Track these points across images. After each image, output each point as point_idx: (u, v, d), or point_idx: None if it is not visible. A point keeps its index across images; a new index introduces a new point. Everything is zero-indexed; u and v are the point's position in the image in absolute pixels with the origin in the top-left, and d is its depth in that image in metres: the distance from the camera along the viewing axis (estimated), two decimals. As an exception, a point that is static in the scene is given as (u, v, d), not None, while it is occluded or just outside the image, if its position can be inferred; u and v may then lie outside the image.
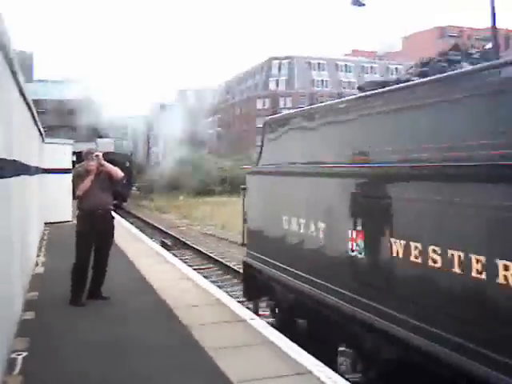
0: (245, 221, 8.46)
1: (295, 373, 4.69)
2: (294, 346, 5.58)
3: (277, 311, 7.45)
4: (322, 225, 5.79)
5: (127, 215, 28.76)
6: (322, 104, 6.93)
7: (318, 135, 6.37)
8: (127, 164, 38.33)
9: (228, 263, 14.61)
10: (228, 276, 13.73)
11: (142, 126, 55.84)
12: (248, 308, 7.55)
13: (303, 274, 6.19)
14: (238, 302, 7.90)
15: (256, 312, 7.67)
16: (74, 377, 4.63)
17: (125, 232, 15.09)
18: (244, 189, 8.39)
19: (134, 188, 42.63)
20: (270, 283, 7.39)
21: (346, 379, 4.78)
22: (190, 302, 7.11)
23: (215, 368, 4.76)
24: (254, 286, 7.98)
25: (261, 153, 7.85)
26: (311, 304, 6.13)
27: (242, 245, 8.52)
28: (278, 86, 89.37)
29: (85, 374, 4.68)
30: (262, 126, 8.04)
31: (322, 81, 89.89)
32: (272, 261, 7.11)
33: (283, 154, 7.17)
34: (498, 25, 11.45)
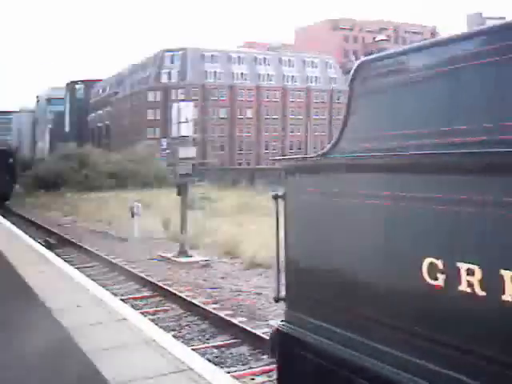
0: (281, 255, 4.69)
1: (177, 370, 4.61)
2: (178, 343, 5.51)
3: None
4: None
5: (9, 214, 27.31)
6: None
7: None
8: (10, 160, 36.45)
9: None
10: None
11: (28, 120, 53.74)
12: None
13: None
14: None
15: None
16: None
17: (4, 232, 14.29)
18: (277, 197, 4.65)
19: (17, 186, 40.49)
20: (345, 375, 3.84)
21: None
22: (71, 302, 6.83)
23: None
24: (305, 377, 4.35)
25: (343, 128, 4.10)
26: None
27: (277, 301, 4.90)
28: (170, 78, 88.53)
29: None
30: (352, 73, 4.10)
31: (215, 72, 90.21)
32: (364, 340, 3.65)
33: (411, 126, 3.56)
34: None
